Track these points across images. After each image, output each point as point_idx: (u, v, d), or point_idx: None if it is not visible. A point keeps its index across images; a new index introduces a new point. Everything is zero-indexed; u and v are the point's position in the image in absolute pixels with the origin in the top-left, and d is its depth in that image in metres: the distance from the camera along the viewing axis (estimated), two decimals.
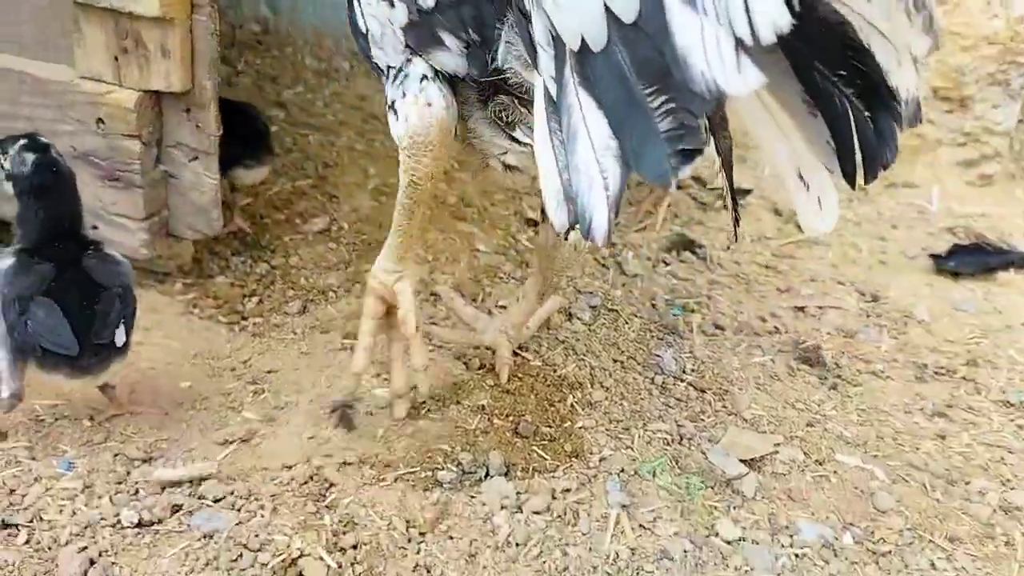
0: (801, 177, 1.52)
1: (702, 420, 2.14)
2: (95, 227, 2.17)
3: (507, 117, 1.70)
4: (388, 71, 1.74)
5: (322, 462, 1.81)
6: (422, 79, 1.69)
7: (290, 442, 1.87)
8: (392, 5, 1.64)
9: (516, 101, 1.66)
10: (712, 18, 1.16)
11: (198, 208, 2.32)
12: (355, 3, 1.73)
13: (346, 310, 2.40)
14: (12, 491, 1.63)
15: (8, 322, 1.68)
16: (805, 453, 2.05)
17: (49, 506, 1.60)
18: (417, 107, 1.68)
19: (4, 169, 1.83)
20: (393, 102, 1.72)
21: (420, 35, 1.65)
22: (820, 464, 2.03)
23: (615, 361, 2.33)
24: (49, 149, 1.86)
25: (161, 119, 2.26)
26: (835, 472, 2.00)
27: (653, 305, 2.60)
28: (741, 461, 1.98)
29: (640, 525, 1.78)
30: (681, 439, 2.05)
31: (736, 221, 1.84)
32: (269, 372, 2.12)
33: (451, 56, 1.63)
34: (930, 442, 2.14)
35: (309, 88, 3.57)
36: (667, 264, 2.83)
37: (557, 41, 1.34)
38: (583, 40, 1.30)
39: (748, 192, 3.27)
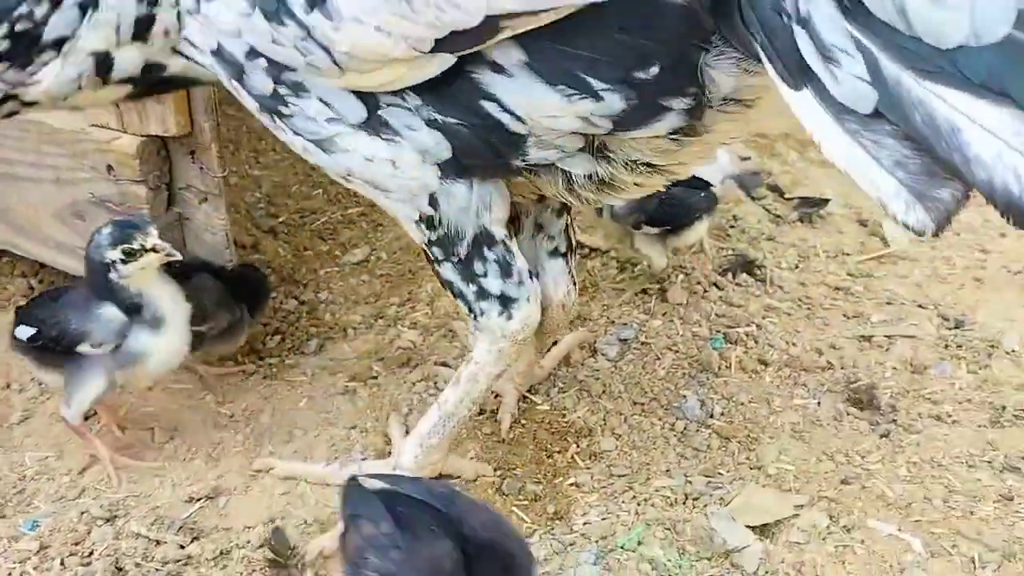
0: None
1: (718, 476, 1.92)
2: None
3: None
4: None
5: (284, 523, 1.74)
6: (531, 274, 1.74)
7: (258, 500, 1.82)
8: None
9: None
10: None
11: (212, 248, 2.32)
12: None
13: (361, 348, 2.33)
14: None
15: None
16: (831, 517, 1.80)
17: (0, 568, 1.62)
18: (536, 303, 1.73)
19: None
20: (511, 299, 1.70)
21: None
22: (847, 531, 1.77)
23: (635, 403, 2.14)
24: None
25: (170, 163, 2.27)
26: (862, 542, 1.74)
27: (693, 336, 2.38)
28: (749, 528, 1.75)
29: None
30: (686, 499, 1.84)
31: None
32: (264, 420, 2.08)
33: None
34: (991, 505, 1.82)
35: None
36: (720, 288, 2.59)
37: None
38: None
39: (827, 202, 2.96)
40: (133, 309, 1.88)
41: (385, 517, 1.41)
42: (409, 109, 1.52)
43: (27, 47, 1.54)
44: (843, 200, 3.01)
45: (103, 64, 1.57)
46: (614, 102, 1.44)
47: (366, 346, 2.35)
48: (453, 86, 1.47)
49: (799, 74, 1.24)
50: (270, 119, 1.62)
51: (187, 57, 1.62)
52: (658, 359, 2.29)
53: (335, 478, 1.87)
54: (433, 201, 1.62)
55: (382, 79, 1.48)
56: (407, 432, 1.98)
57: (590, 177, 1.60)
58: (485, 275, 1.69)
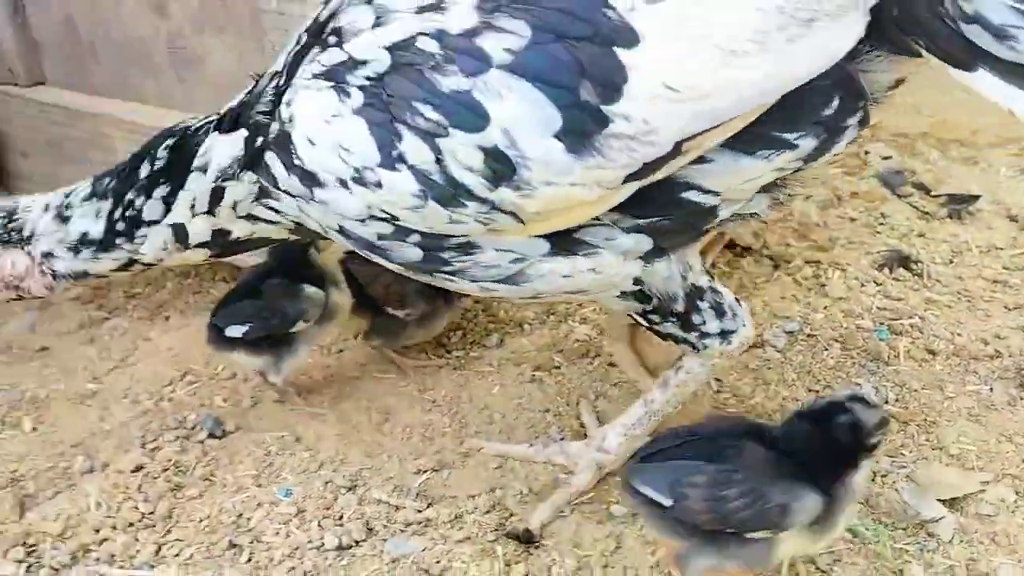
0: None
1: (901, 456, 2.02)
2: None
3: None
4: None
5: (504, 493, 1.93)
6: (738, 301, 1.84)
7: (475, 473, 2.01)
8: None
9: None
10: None
11: None
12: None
13: (539, 342, 2.51)
14: (239, 515, 1.89)
15: None
16: (1017, 493, 1.88)
17: (267, 529, 1.84)
18: (749, 323, 1.83)
19: None
20: (729, 331, 1.80)
21: None
22: None
23: (809, 391, 2.26)
24: None
25: None
26: None
27: (857, 328, 2.48)
28: (940, 501, 1.86)
29: (818, 569, 1.73)
30: (875, 476, 1.95)
31: None
32: (464, 405, 2.28)
33: None
34: None
35: None
36: (878, 284, 2.68)
37: None
38: None
39: (976, 198, 3.02)
40: (321, 282, 2.17)
41: (702, 465, 1.56)
42: (607, 225, 1.55)
43: (133, 227, 1.74)
44: (991, 196, 3.07)
45: (179, 234, 1.73)
46: (808, 145, 1.51)
47: (543, 340, 2.52)
48: (651, 192, 1.49)
49: (971, 58, 1.38)
50: (428, 277, 1.63)
51: (264, 220, 1.70)
52: (826, 349, 2.40)
53: (539, 456, 2.05)
54: (637, 281, 1.66)
55: (566, 221, 1.51)
56: (597, 417, 2.16)
57: (768, 207, 1.67)
58: (704, 323, 1.77)
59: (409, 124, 1.40)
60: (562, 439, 2.12)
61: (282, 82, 1.58)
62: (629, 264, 1.61)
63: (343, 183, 1.47)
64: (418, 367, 2.43)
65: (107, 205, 1.75)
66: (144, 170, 1.73)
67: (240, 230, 1.72)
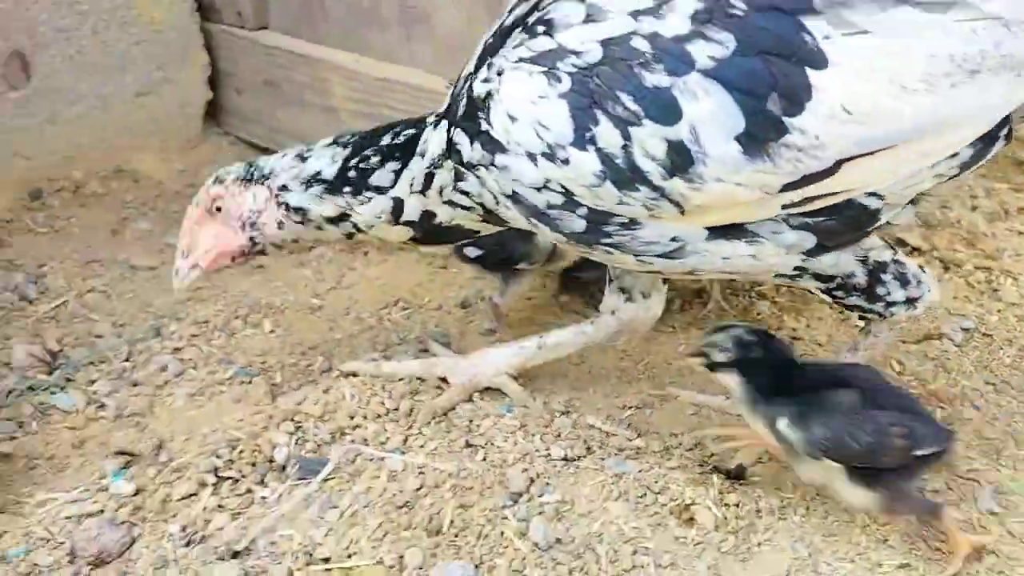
0: None
1: None
2: None
3: None
4: None
5: (704, 435, 2.10)
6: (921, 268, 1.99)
7: (675, 415, 2.18)
8: None
9: None
10: None
11: None
12: None
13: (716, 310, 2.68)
14: (470, 421, 2.10)
15: None
16: None
17: (497, 436, 2.05)
18: (935, 287, 1.99)
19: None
20: (914, 299, 1.94)
21: None
22: None
23: (987, 383, 2.37)
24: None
25: None
26: None
27: None
28: None
29: (1009, 532, 1.86)
30: None
31: None
32: (652, 356, 2.45)
33: None
34: None
35: None
36: None
37: None
38: None
39: None
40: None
41: None
42: (775, 220, 1.69)
43: (361, 182, 1.93)
44: None
45: (397, 207, 1.93)
46: (966, 153, 1.68)
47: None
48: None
49: None
50: (588, 248, 1.78)
51: (460, 206, 1.89)
52: (1001, 349, 2.51)
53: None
54: (800, 268, 1.79)
55: (719, 219, 1.67)
56: None
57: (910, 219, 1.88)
58: (888, 293, 1.91)
59: (608, 111, 1.59)
60: None
61: (472, 71, 1.79)
62: (789, 257, 1.75)
63: (531, 156, 1.66)
64: None
65: (345, 152, 1.96)
66: (386, 139, 1.95)
67: (443, 215, 1.93)
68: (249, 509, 1.87)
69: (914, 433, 1.74)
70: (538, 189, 1.69)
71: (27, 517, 1.86)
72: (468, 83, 1.79)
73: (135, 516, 1.85)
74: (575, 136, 1.61)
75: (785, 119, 1.54)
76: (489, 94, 1.70)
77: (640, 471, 1.96)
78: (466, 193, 1.86)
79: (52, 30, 3.09)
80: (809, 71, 1.53)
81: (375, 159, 1.93)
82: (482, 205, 1.87)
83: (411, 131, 1.94)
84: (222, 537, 1.78)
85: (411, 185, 1.91)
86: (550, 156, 1.64)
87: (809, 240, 1.72)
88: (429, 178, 1.89)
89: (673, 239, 1.70)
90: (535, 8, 1.75)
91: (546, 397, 2.21)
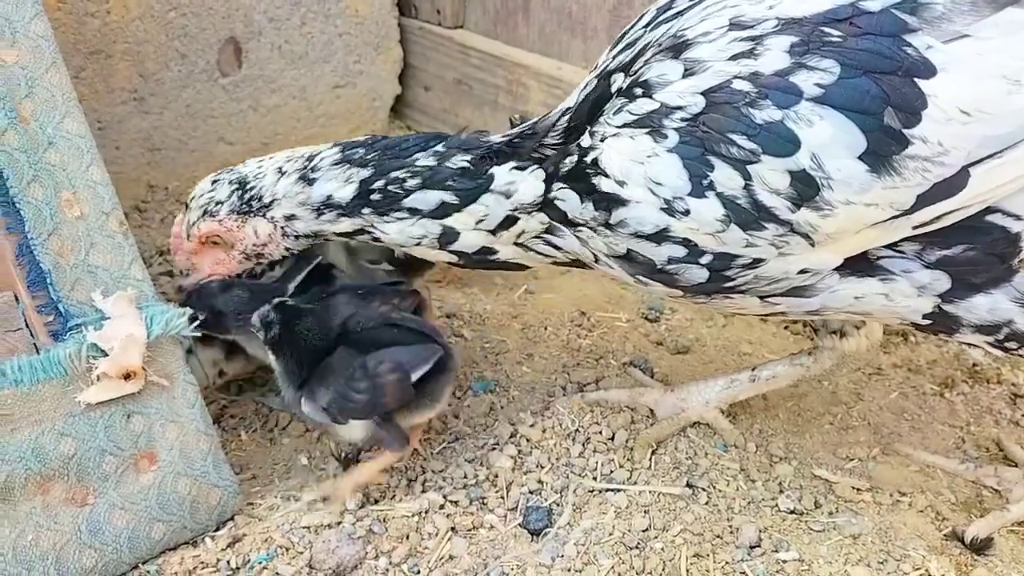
0: None
1: None
2: None
3: None
4: None
5: (935, 498, 2.00)
6: None
7: (899, 471, 2.09)
8: None
9: None
10: None
11: None
12: None
13: (928, 356, 2.55)
14: (689, 458, 2.05)
15: None
16: None
17: (719, 479, 2.00)
18: None
19: None
20: None
21: None
22: None
23: None
24: None
25: None
26: None
27: None
28: None
29: None
30: None
31: None
32: (866, 402, 2.36)
33: None
34: None
35: None
36: None
37: None
38: None
39: None
40: None
41: None
42: (907, 257, 1.62)
43: (388, 204, 1.78)
44: None
45: (448, 236, 1.78)
46: None
47: (933, 355, 2.56)
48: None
49: None
50: (705, 298, 1.71)
51: (535, 251, 1.78)
52: None
53: (968, 474, 2.09)
54: (950, 316, 1.67)
55: (852, 247, 1.59)
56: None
57: None
58: None
59: (722, 155, 1.54)
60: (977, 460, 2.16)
61: (572, 120, 1.72)
62: (921, 300, 1.65)
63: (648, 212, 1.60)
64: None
65: (364, 173, 1.78)
66: (421, 159, 1.77)
67: (506, 253, 1.82)
68: (477, 532, 1.87)
69: (401, 361, 1.82)
70: (657, 244, 1.63)
71: (262, 520, 1.91)
72: (575, 137, 1.71)
73: (368, 532, 1.87)
74: (691, 185, 1.57)
75: (906, 131, 1.50)
76: (596, 161, 1.65)
77: (876, 531, 1.88)
78: (556, 247, 1.79)
79: (266, 19, 3.16)
80: (919, 81, 1.50)
81: (412, 182, 1.77)
82: (570, 255, 1.79)
83: (462, 157, 1.77)
84: (459, 564, 1.79)
85: (480, 222, 1.77)
86: (669, 211, 1.59)
87: (943, 282, 1.63)
88: (510, 221, 1.77)
89: (801, 272, 1.63)
90: (629, 69, 1.67)
91: (760, 439, 2.15)
